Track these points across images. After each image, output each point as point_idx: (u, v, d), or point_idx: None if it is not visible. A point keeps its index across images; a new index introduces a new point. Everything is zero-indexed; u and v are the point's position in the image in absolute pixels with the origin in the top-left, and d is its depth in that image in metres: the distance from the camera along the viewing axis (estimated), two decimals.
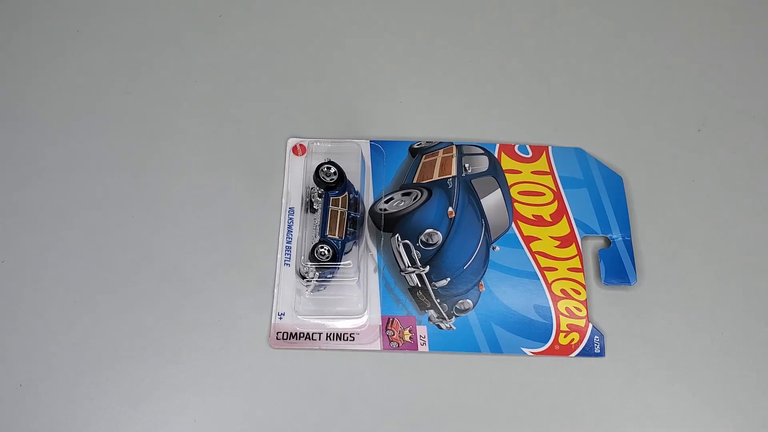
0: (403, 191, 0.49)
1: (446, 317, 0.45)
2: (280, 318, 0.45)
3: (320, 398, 0.44)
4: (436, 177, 0.49)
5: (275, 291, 0.46)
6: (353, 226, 0.46)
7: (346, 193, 0.45)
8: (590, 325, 0.45)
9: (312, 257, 0.43)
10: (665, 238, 0.48)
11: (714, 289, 0.47)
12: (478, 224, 0.47)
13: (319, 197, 0.45)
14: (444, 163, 0.49)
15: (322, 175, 0.44)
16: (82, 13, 0.55)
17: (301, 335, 0.45)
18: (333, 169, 0.44)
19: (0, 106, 0.52)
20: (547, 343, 0.45)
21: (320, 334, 0.45)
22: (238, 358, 0.45)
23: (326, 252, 0.43)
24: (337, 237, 0.44)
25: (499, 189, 0.48)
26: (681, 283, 0.47)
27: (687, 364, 0.44)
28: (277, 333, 0.45)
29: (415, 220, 0.47)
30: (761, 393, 0.43)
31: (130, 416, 0.43)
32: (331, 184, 0.44)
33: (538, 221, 0.47)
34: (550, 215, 0.48)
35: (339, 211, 0.45)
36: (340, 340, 0.45)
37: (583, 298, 0.46)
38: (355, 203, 0.46)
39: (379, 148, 0.50)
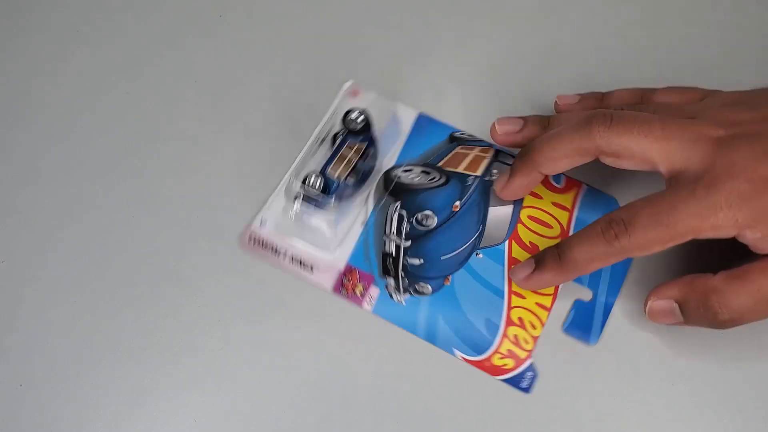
0: (424, 168, 0.48)
1: (401, 291, 0.45)
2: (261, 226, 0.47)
3: (321, 399, 0.44)
4: (460, 170, 0.48)
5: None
6: (356, 177, 0.46)
7: (366, 145, 0.46)
8: (529, 361, 0.44)
9: (303, 182, 0.44)
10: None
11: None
12: (475, 228, 0.47)
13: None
14: (475, 160, 0.49)
15: (350, 119, 0.45)
16: (82, 13, 0.55)
17: (271, 247, 0.46)
18: (362, 117, 0.45)
19: (0, 106, 0.52)
20: (480, 355, 0.44)
21: (286, 251, 0.46)
22: (239, 358, 0.45)
23: (318, 183, 0.44)
24: (335, 178, 0.44)
25: (512, 205, 0.47)
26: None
27: (687, 364, 0.44)
28: (251, 236, 0.47)
29: (421, 198, 0.47)
30: (761, 393, 0.43)
31: (130, 416, 0.43)
32: (355, 130, 0.45)
33: (532, 249, 0.46)
34: None
35: (349, 156, 0.45)
36: (301, 266, 0.46)
37: (537, 334, 0.44)
38: (369, 158, 0.46)
39: (424, 121, 0.50)
